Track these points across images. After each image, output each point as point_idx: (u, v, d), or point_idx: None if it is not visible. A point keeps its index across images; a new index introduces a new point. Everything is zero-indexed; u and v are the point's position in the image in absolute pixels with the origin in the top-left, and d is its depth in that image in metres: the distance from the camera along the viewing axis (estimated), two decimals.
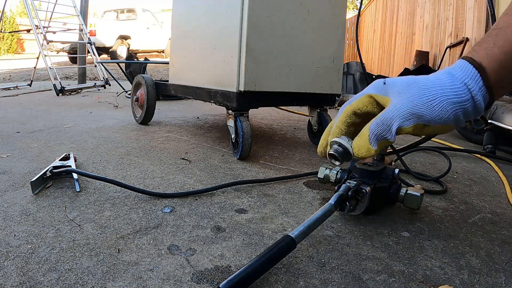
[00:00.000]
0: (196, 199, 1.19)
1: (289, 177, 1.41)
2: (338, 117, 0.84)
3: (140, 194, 1.20)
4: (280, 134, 2.25)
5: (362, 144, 0.77)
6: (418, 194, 1.07)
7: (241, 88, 1.56)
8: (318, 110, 1.95)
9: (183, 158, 1.63)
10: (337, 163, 0.85)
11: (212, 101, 1.76)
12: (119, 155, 1.65)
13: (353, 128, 0.84)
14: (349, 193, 1.00)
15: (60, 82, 4.33)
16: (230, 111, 1.65)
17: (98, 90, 4.97)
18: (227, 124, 1.69)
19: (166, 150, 1.76)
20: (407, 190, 1.08)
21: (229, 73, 1.62)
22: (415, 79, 0.74)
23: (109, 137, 2.01)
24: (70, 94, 4.44)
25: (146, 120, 2.40)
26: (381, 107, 0.79)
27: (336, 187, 1.06)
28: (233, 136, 1.67)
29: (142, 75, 2.43)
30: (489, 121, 2.07)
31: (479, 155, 1.90)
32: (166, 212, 1.08)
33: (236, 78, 1.57)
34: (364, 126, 0.80)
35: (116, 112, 3.04)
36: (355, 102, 0.81)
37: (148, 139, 1.98)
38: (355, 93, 4.18)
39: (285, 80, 1.67)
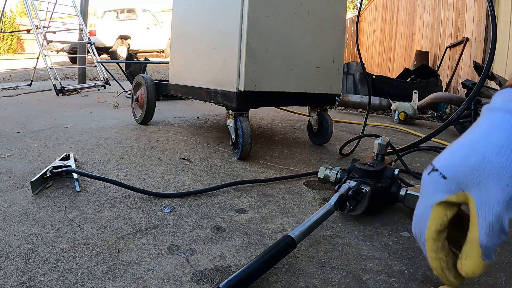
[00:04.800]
0: (196, 199, 1.19)
1: (289, 177, 1.41)
2: (427, 250, 0.61)
3: (140, 194, 1.20)
4: (280, 134, 2.25)
5: (475, 265, 0.56)
6: (418, 194, 1.07)
7: (241, 88, 1.56)
8: (318, 110, 1.95)
9: (183, 158, 1.63)
10: None
11: (212, 101, 1.76)
12: (119, 155, 1.65)
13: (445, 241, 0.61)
14: (349, 193, 1.01)
15: (60, 82, 4.33)
16: (230, 111, 1.65)
17: (98, 90, 4.97)
18: (227, 124, 1.69)
19: (166, 150, 1.76)
20: (407, 190, 1.08)
21: (229, 73, 1.62)
22: (473, 150, 0.55)
23: (109, 137, 2.01)
24: (70, 94, 4.44)
25: (146, 120, 2.40)
26: (460, 203, 0.59)
27: (336, 187, 1.06)
28: (233, 136, 1.66)
29: (142, 75, 2.42)
30: None
31: None
32: (166, 212, 1.08)
33: (236, 78, 1.57)
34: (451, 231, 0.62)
35: (116, 112, 3.04)
36: (432, 222, 0.60)
37: (148, 139, 1.98)
38: (355, 93, 4.18)
39: (285, 80, 1.67)
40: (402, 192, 1.09)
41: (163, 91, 2.32)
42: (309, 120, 2.03)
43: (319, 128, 1.97)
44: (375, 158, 1.22)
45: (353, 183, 1.03)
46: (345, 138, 2.17)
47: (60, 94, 4.31)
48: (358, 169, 1.12)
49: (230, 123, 1.67)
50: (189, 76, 2.01)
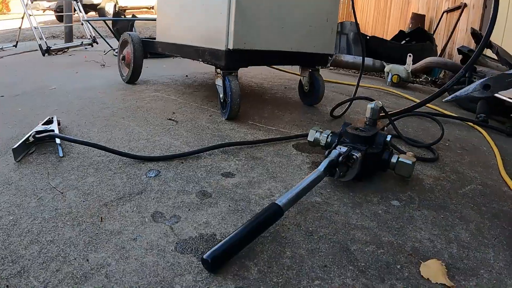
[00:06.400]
0: (182, 162, 1.15)
1: (278, 139, 1.38)
2: None
3: (125, 158, 1.16)
4: (270, 94, 2.20)
5: None
6: (410, 162, 1.04)
7: (230, 47, 1.50)
8: (310, 70, 1.89)
9: (169, 119, 1.59)
10: None
11: (200, 60, 1.70)
12: (104, 117, 1.60)
13: None
14: (340, 158, 0.98)
15: (46, 42, 4.18)
16: (219, 69, 1.59)
17: (86, 48, 4.82)
18: (216, 83, 1.64)
19: (152, 110, 1.70)
20: (399, 158, 1.06)
21: (218, 30, 1.55)
22: None
23: (95, 97, 1.95)
24: (56, 54, 4.30)
25: (133, 79, 2.33)
26: None
27: (326, 152, 1.03)
28: (221, 95, 1.62)
29: (129, 32, 2.33)
30: None
31: (471, 124, 1.87)
32: (151, 177, 1.05)
33: (224, 36, 1.50)
34: None
35: (103, 71, 2.95)
36: None
37: (134, 99, 1.93)
38: (348, 53, 4.10)
39: (276, 38, 1.61)
40: (394, 160, 1.06)
41: (150, 49, 2.24)
42: (300, 79, 1.98)
43: (310, 88, 1.92)
44: (367, 123, 1.19)
45: (343, 149, 1.01)
46: (337, 99, 2.13)
47: (46, 54, 4.17)
48: (349, 134, 1.09)
49: (219, 82, 1.61)
50: (176, 34, 1.94)
